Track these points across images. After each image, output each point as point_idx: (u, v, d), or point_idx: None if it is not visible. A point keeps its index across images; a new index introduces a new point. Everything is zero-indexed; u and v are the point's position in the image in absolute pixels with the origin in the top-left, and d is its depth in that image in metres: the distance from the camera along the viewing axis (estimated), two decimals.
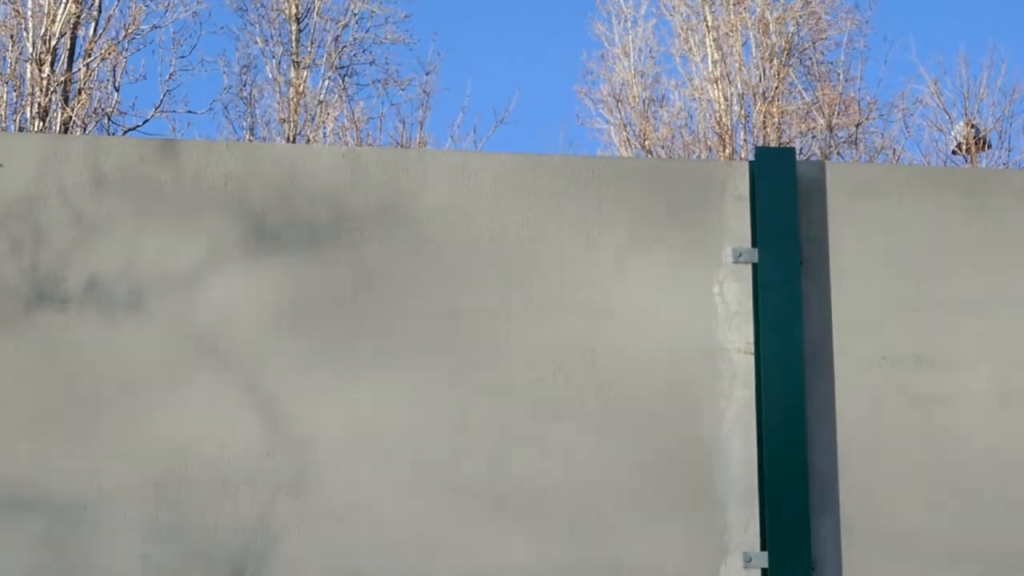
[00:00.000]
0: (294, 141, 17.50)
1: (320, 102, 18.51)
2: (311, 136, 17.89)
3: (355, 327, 3.32)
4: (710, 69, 19.14)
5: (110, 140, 3.49)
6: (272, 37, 19.24)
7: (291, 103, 18.20)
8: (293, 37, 19.29)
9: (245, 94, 18.74)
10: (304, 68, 18.87)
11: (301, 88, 18.48)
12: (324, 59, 18.97)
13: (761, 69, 19.02)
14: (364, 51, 19.70)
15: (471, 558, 3.23)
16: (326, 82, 18.88)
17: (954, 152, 18.76)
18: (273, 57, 19.03)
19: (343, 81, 18.96)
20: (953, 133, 18.81)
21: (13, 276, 3.26)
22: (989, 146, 18.76)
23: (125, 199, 3.34)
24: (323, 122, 18.13)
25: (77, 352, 3.24)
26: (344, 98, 18.66)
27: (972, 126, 18.50)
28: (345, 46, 19.32)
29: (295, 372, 3.28)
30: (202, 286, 3.30)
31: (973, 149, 18.28)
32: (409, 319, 3.34)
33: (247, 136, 18.10)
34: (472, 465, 3.27)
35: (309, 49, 19.11)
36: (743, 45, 19.27)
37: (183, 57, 18.15)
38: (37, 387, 3.21)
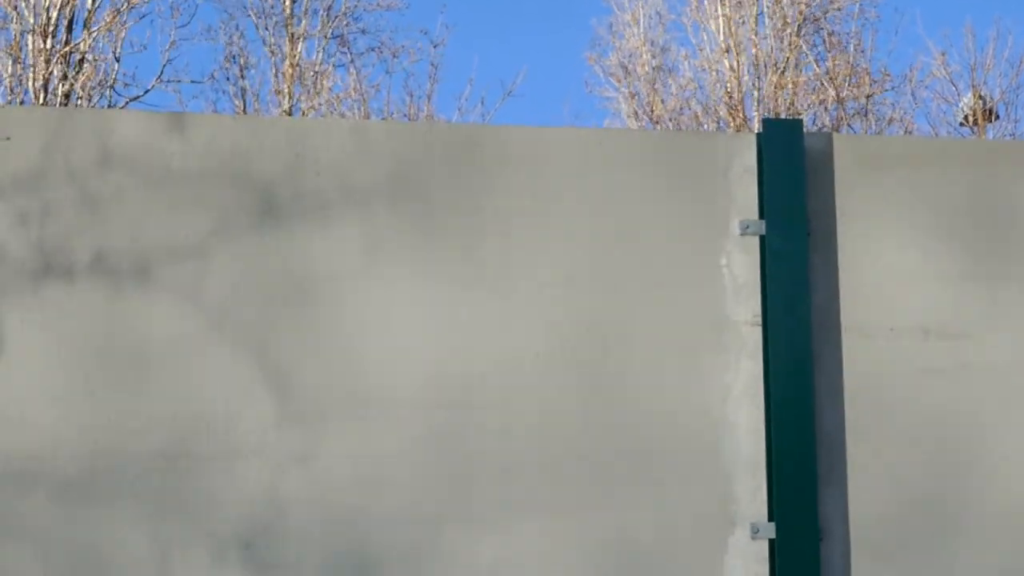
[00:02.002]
0: (291, 113, 17.45)
1: (316, 72, 18.44)
2: (307, 108, 17.83)
3: (362, 300, 3.32)
4: (721, 39, 19.06)
5: (117, 113, 3.49)
6: (264, 10, 19.16)
7: (286, 75, 18.14)
8: (286, 7, 19.18)
9: (236, 68, 18.68)
10: (299, 39, 18.79)
11: (296, 59, 18.41)
12: (318, 29, 18.89)
13: (772, 39, 18.94)
14: (358, 19, 19.61)
15: (478, 529, 3.24)
16: (320, 53, 18.82)
17: (962, 123, 18.70)
18: (267, 29, 18.96)
19: (348, 50, 18.89)
20: (961, 105, 18.76)
21: (20, 249, 3.27)
22: (997, 117, 18.71)
23: (132, 172, 3.34)
24: (318, 92, 18.07)
25: (85, 325, 3.25)
26: (350, 70, 18.62)
27: (980, 97, 18.43)
28: (339, 15, 19.22)
29: (302, 344, 3.28)
30: (210, 259, 3.31)
31: (981, 120, 18.22)
32: (416, 291, 3.34)
33: (239, 109, 18.05)
34: (479, 436, 3.28)
35: (303, 19, 19.02)
36: (756, 15, 19.17)
37: (183, 27, 18.05)
38: (45, 361, 3.22)
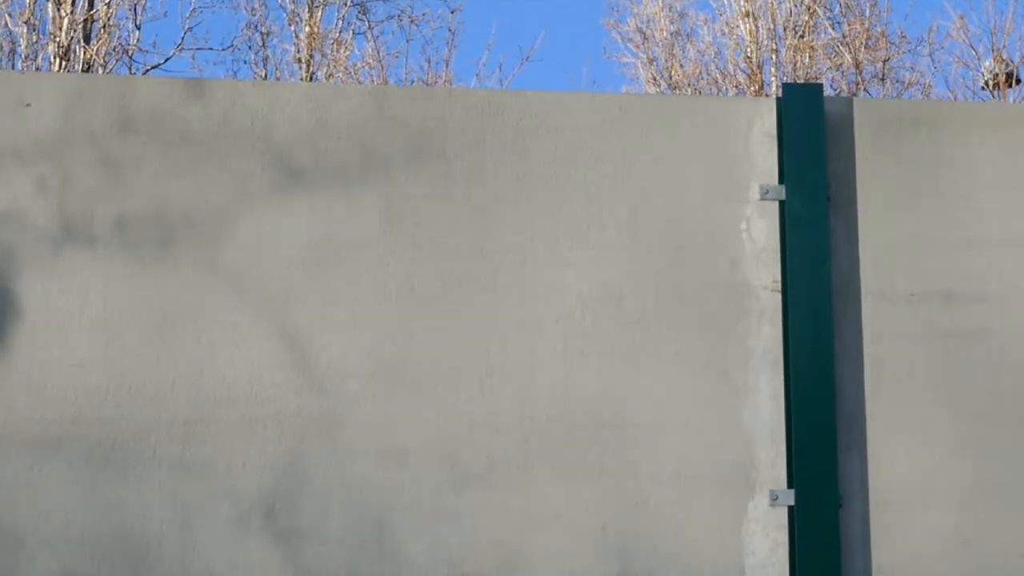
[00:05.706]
0: (311, 81, 17.39)
1: (335, 40, 18.37)
2: (324, 76, 17.78)
3: (382, 265, 3.33)
4: (740, 3, 18.94)
5: (137, 79, 3.49)
6: None
7: (305, 43, 18.08)
8: None
9: (256, 37, 18.62)
10: (318, 7, 18.71)
11: (316, 27, 18.34)
12: None
13: (790, 3, 18.81)
14: None
15: (498, 494, 3.25)
16: (340, 21, 18.73)
17: (983, 88, 18.57)
18: None
19: (365, 17, 18.83)
20: (982, 69, 18.62)
21: (41, 215, 3.28)
22: (1018, 81, 18.56)
23: (152, 138, 3.35)
24: (335, 60, 18.02)
25: (105, 291, 3.26)
26: (369, 37, 18.56)
27: (1001, 61, 18.30)
28: None
29: (323, 310, 3.29)
30: (229, 225, 3.31)
31: (1002, 84, 18.10)
32: (436, 256, 3.34)
33: (259, 77, 18.01)
34: (499, 402, 3.29)
35: None
36: None
37: None
38: (66, 327, 3.23)
